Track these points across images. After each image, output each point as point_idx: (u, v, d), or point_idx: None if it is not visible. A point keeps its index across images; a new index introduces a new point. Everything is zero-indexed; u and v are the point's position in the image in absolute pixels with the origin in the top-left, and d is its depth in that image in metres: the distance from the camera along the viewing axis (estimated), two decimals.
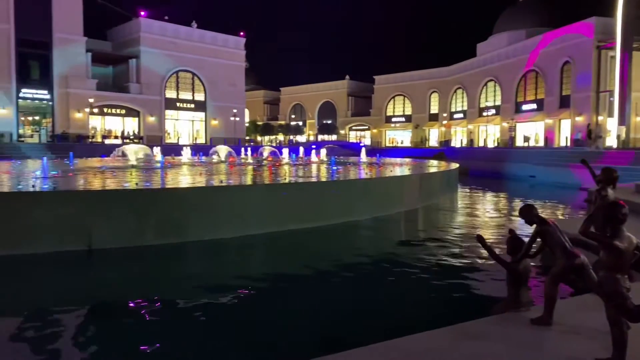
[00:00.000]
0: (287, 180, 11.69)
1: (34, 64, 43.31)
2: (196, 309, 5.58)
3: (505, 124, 51.81)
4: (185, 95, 54.22)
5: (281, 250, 8.67)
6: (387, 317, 5.48)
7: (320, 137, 77.29)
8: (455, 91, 64.45)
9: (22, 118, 43.99)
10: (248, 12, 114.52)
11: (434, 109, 68.61)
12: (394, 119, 73.04)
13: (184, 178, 12.14)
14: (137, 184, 9.67)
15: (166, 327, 5.10)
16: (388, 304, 5.93)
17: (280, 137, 77.13)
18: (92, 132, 47.49)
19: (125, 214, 7.88)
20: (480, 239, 3.85)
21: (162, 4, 57.72)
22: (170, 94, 52.63)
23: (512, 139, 50.18)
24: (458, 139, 63.82)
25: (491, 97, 55.89)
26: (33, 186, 8.85)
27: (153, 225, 8.09)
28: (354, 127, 79.24)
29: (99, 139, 47.32)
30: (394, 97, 72.96)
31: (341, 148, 51.63)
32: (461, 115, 62.61)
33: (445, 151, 44.01)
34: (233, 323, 5.26)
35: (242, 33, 58.30)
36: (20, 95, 42.52)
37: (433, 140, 68.47)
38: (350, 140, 74.09)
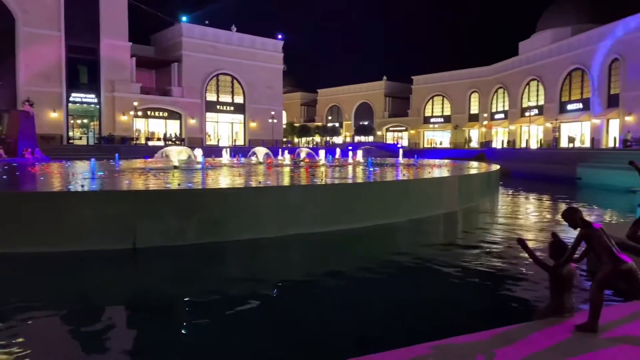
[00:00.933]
0: (323, 182, 11.76)
1: (82, 69, 45.27)
2: (239, 307, 5.70)
3: (548, 125, 50.14)
4: (225, 98, 55.28)
5: (319, 251, 8.72)
6: (425, 319, 5.43)
7: (356, 139, 77.10)
8: (496, 91, 62.88)
9: (72, 121, 46.06)
10: (286, 14, 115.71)
11: (474, 109, 67.18)
12: (432, 120, 71.98)
13: (224, 179, 12.41)
14: (179, 184, 9.98)
15: (209, 325, 5.23)
16: (426, 307, 5.88)
17: (317, 138, 77.39)
18: (137, 134, 49.16)
19: (168, 214, 8.13)
20: (521, 242, 3.77)
21: (203, 9, 59.04)
22: (211, 96, 53.80)
23: (556, 139, 48.49)
24: (499, 140, 62.19)
25: (534, 96, 54.20)
26: (82, 186, 9.27)
27: (195, 224, 8.31)
28: (391, 128, 78.60)
29: (143, 141, 48.91)
30: (432, 98, 71.91)
31: (378, 149, 51.34)
32: (502, 115, 61.04)
33: (485, 152, 43.02)
34: (273, 322, 5.35)
35: (280, 35, 58.90)
36: (70, 99, 44.55)
37: (473, 141, 67.05)
38: (388, 142, 73.53)
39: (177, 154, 17.22)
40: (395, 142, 70.61)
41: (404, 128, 76.13)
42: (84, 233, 7.84)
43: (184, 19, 51.61)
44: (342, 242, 9.21)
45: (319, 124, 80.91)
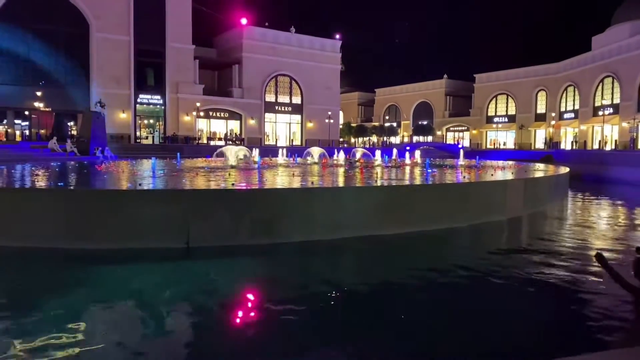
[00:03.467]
0: (377, 183, 11.42)
1: (149, 71, 47.48)
2: (291, 309, 5.57)
3: (625, 124, 46.60)
4: (283, 98, 55.99)
5: (372, 255, 8.43)
6: (488, 335, 5.00)
7: (415, 139, 75.58)
8: (565, 89, 59.41)
9: (139, 121, 48.43)
10: (345, 14, 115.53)
11: (541, 109, 63.81)
12: (495, 119, 69.19)
13: (278, 179, 12.38)
14: (233, 184, 10.02)
15: (263, 326, 5.15)
16: (488, 321, 5.43)
17: (374, 138, 76.67)
18: (199, 134, 50.87)
19: (220, 214, 8.14)
20: (600, 258, 3.31)
21: (263, 10, 60.14)
22: (270, 97, 54.68)
23: (634, 140, 44.97)
24: (568, 141, 58.69)
25: (608, 94, 50.63)
26: (140, 185, 9.52)
27: (247, 225, 8.27)
28: (451, 128, 76.39)
29: (205, 141, 50.55)
30: (496, 96, 69.11)
31: (437, 150, 49.96)
32: (572, 115, 57.58)
33: (553, 154, 40.62)
34: (322, 328, 5.12)
35: (337, 36, 58.83)
36: (138, 100, 46.87)
37: (539, 142, 63.69)
38: (448, 142, 71.47)
39: (234, 153, 17.47)
40: (456, 143, 68.47)
41: (466, 128, 73.73)
42: (141, 231, 7.99)
43: (244, 21, 52.77)
44: (396, 246, 8.85)
45: (376, 124, 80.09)
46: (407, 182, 12.27)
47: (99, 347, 4.43)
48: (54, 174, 13.32)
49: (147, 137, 48.92)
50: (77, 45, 43.26)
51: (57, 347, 4.37)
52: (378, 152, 23.35)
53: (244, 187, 9.30)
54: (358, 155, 25.24)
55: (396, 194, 10.14)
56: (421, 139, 75.01)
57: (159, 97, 48.14)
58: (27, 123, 45.48)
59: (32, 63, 41.57)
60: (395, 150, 28.06)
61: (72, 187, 9.96)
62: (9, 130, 43.44)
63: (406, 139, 76.37)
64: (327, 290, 6.42)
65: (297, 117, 57.20)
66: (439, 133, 75.27)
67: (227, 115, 53.09)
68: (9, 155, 26.96)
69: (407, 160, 23.76)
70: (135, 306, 5.81)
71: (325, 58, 57.23)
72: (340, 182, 12.11)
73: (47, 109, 43.68)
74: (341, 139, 65.48)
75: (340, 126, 68.10)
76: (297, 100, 56.57)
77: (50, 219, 8.00)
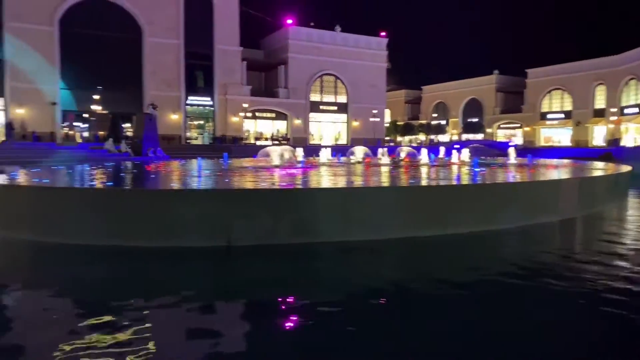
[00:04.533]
0: (421, 182, 11.15)
1: (199, 74, 48.91)
2: (331, 310, 5.53)
3: None
4: (328, 97, 56.10)
5: (414, 257, 8.22)
6: (542, 348, 4.72)
7: (464, 137, 73.71)
8: (627, 82, 56.06)
9: (189, 122, 49.96)
10: (391, 11, 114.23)
11: (599, 104, 60.54)
12: (549, 116, 66.35)
13: (319, 178, 12.35)
14: (273, 183, 10.07)
15: (302, 326, 5.14)
16: (541, 332, 5.12)
17: (421, 137, 75.39)
18: (246, 134, 51.87)
19: (260, 213, 8.20)
20: None
21: (309, 11, 60.57)
22: (315, 97, 54.93)
23: None
24: (630, 138, 55.33)
25: None
26: (184, 184, 9.76)
27: (286, 224, 8.28)
28: (502, 125, 73.91)
29: (252, 141, 51.47)
30: (550, 92, 66.26)
31: (487, 148, 48.43)
32: (635, 109, 54.24)
33: (613, 151, 38.38)
34: (360, 330, 5.02)
35: (383, 33, 58.26)
36: (188, 102, 48.37)
37: (598, 139, 60.47)
38: (499, 140, 69.16)
39: (278, 153, 17.61)
40: (507, 140, 66.11)
41: (518, 125, 71.13)
42: (184, 229, 8.16)
43: (290, 22, 53.28)
44: (438, 248, 8.59)
45: (424, 121, 78.73)
46: (451, 182, 11.91)
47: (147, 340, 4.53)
48: (107, 174, 13.92)
49: (196, 138, 50.40)
50: (132, 50, 45.19)
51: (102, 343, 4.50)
52: (424, 151, 22.83)
53: (284, 187, 9.33)
54: (403, 154, 24.81)
55: (439, 193, 9.85)
56: (471, 136, 73.00)
57: (208, 98, 49.48)
58: (86, 125, 47.98)
59: (91, 68, 43.79)
60: (442, 149, 27.41)
61: (120, 187, 10.35)
62: (70, 132, 45.94)
63: (455, 137, 74.55)
64: (365, 292, 6.31)
65: (342, 116, 57.13)
66: (489, 131, 72.99)
67: (273, 115, 53.82)
68: (68, 155, 28.51)
69: (454, 159, 23.12)
70: (183, 303, 5.91)
71: (371, 56, 56.82)
72: (381, 181, 11.92)
73: (104, 112, 45.91)
74: (387, 138, 64.80)
75: (387, 124, 67.40)
76: (342, 99, 56.50)
77: (100, 217, 8.34)
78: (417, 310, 5.70)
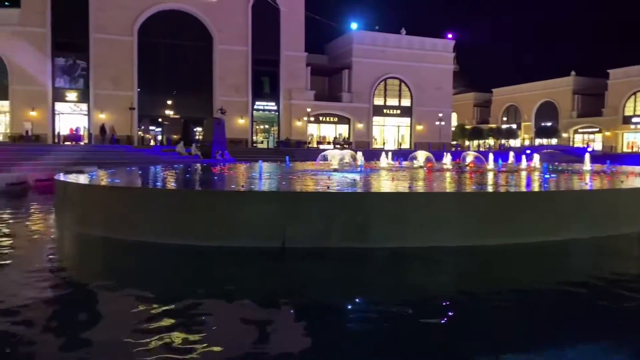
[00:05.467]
0: (483, 189, 10.70)
1: (265, 79, 50.17)
2: (379, 316, 5.46)
3: None
4: (392, 101, 55.49)
5: (472, 267, 7.88)
6: None
7: (537, 141, 70.02)
8: None
9: (255, 127, 51.34)
10: (459, 12, 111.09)
11: None
12: (634, 120, 61.40)
13: (377, 182, 12.21)
14: (328, 187, 10.09)
15: (354, 329, 5.12)
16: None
17: (490, 141, 72.50)
18: (309, 138, 52.47)
19: (314, 216, 8.23)
20: None
21: (374, 14, 60.36)
22: (378, 101, 54.55)
23: None
24: None
25: None
26: (242, 186, 10.02)
27: (339, 228, 8.26)
28: (580, 130, 69.42)
29: (315, 145, 51.96)
30: (635, 94, 61.37)
31: (561, 153, 45.67)
32: None
33: None
34: (409, 341, 4.89)
35: (450, 35, 56.77)
36: (254, 107, 49.75)
37: None
38: (575, 145, 65.01)
39: (338, 157, 17.64)
40: (585, 146, 61.98)
41: (597, 129, 66.45)
42: (241, 230, 8.37)
43: (355, 26, 53.35)
44: (500, 258, 8.18)
45: (493, 125, 75.70)
46: (516, 188, 11.32)
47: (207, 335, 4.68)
48: (174, 175, 14.62)
49: (262, 142, 51.67)
50: (203, 58, 47.22)
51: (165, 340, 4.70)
52: (491, 156, 21.93)
53: (338, 190, 9.31)
54: (469, 159, 23.96)
55: (502, 200, 9.39)
56: (544, 141, 69.20)
57: (273, 103, 50.61)
58: (160, 129, 50.72)
59: (165, 75, 46.25)
60: (512, 154, 26.19)
61: (183, 188, 10.82)
62: (145, 136, 48.77)
63: (527, 142, 71.00)
64: (417, 300, 6.14)
65: (406, 120, 56.23)
66: (564, 135, 68.81)
67: (336, 119, 54.05)
68: (142, 158, 30.29)
69: (524, 165, 22.00)
70: (238, 300, 6.07)
71: (437, 58, 55.51)
72: (442, 187, 11.57)
73: (176, 117, 48.30)
74: (453, 142, 62.94)
75: (453, 128, 65.50)
76: (406, 102, 55.65)
77: (164, 216, 8.75)
78: (469, 324, 5.45)
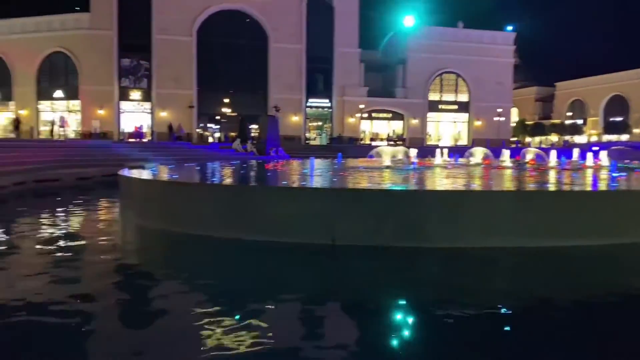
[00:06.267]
0: (545, 187, 10.18)
1: (318, 76, 50.49)
2: (429, 318, 5.36)
3: None
4: (448, 96, 54.15)
5: (529, 269, 7.52)
6: None
7: (605, 138, 65.97)
8: None
9: (309, 124, 51.79)
10: (521, 2, 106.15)
11: None
12: None
13: (430, 180, 11.94)
14: (379, 183, 9.97)
15: (407, 331, 5.05)
16: None
17: (554, 137, 69.08)
18: (362, 134, 52.26)
19: (364, 213, 8.17)
20: None
21: (430, 8, 58.93)
22: (433, 96, 53.39)
23: None
24: None
25: None
26: (292, 182, 10.11)
27: (390, 226, 8.14)
28: None
29: (367, 141, 51.70)
30: None
31: (632, 150, 42.68)
32: None
33: None
34: (457, 343, 4.75)
35: (510, 27, 54.56)
36: (308, 104, 50.16)
37: None
38: None
39: (390, 153, 17.42)
40: None
41: None
42: (292, 226, 8.45)
43: (410, 21, 52.46)
44: (560, 261, 7.75)
45: (556, 121, 72.02)
46: (581, 187, 10.69)
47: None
48: (229, 171, 15.02)
49: (315, 138, 52.04)
50: (258, 56, 48.19)
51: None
52: (553, 153, 20.85)
53: (389, 187, 9.18)
54: (529, 156, 22.89)
55: (564, 200, 8.90)
56: (613, 137, 64.99)
57: (326, 100, 50.81)
58: (217, 127, 52.29)
59: (223, 73, 47.58)
60: (576, 151, 24.79)
61: (236, 184, 11.09)
62: (204, 133, 50.46)
63: (594, 138, 66.99)
64: (468, 302, 5.94)
65: (463, 116, 54.69)
66: (636, 131, 64.30)
67: (389, 115, 53.47)
68: (201, 154, 31.41)
69: (590, 162, 20.77)
70: (289, 296, 6.13)
71: (497, 52, 53.52)
72: (500, 185, 11.14)
73: (233, 114, 49.62)
74: (513, 139, 60.51)
75: (513, 124, 62.94)
76: (463, 97, 54.11)
77: (219, 211, 9.01)
78: (524, 327, 5.21)
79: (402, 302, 5.93)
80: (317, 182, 11.39)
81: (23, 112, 45.40)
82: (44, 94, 47.19)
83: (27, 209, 14.19)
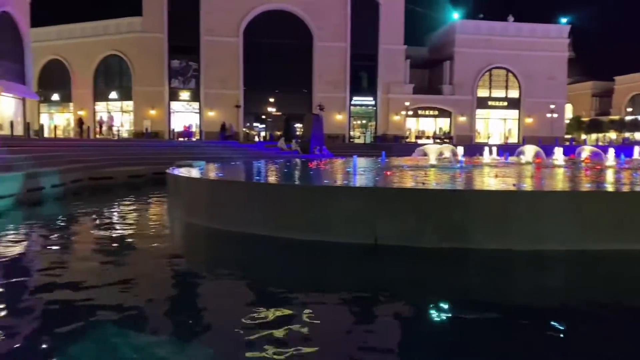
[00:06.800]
0: (602, 188, 9.61)
1: (363, 74, 50.11)
2: (476, 323, 5.12)
3: None
4: (498, 93, 52.41)
5: (586, 274, 7.13)
6: None
7: None
8: None
9: (353, 122, 51.54)
10: None
11: None
12: None
13: (477, 179, 11.57)
14: (423, 183, 9.74)
15: (452, 335, 4.92)
16: None
17: (612, 135, 65.49)
18: (407, 132, 51.47)
19: (406, 213, 8.00)
20: None
21: (478, 2, 57.20)
22: (482, 92, 51.83)
23: None
24: None
25: None
26: (336, 181, 10.04)
27: (433, 227, 7.94)
28: None
29: (413, 139, 50.85)
30: None
31: None
32: None
33: None
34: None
35: (564, 19, 52.09)
36: (352, 102, 49.93)
37: None
38: None
39: (435, 152, 17.03)
40: None
41: None
42: (333, 225, 8.40)
43: (457, 15, 51.15)
44: (620, 266, 7.29)
45: (615, 117, 68.23)
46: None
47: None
48: (273, 170, 15.16)
49: (359, 137, 51.74)
50: (303, 55, 48.39)
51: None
52: (611, 151, 19.72)
53: (433, 187, 8.94)
54: (584, 154, 21.77)
55: (622, 201, 8.36)
56: None
57: (371, 98, 50.39)
58: (263, 126, 52.98)
59: (268, 73, 48.13)
60: (637, 149, 23.36)
61: (277, 182, 11.15)
62: (249, 132, 51.27)
63: None
64: (516, 308, 5.68)
65: (514, 113, 52.75)
66: None
67: (436, 113, 52.36)
68: (246, 153, 31.94)
69: None
70: (328, 294, 6.12)
71: (549, 46, 51.23)
72: (551, 185, 10.62)
73: (278, 113, 50.12)
74: (568, 136, 57.79)
75: (567, 121, 60.15)
76: (513, 93, 52.18)
77: (262, 209, 9.08)
78: (576, 338, 4.91)
79: (446, 304, 5.74)
80: (359, 181, 11.29)
81: (81, 113, 47.77)
82: (100, 95, 49.50)
83: (83, 203, 14.92)
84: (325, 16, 47.38)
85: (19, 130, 33.16)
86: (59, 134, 48.65)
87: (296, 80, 48.97)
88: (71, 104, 50.46)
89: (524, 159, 20.23)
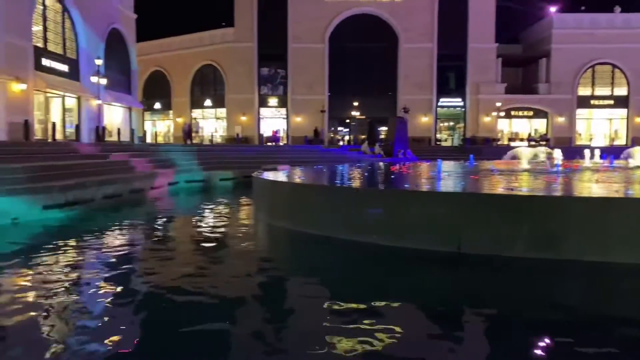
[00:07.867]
0: None
1: (450, 75, 48.51)
2: (566, 346, 4.71)
3: None
4: (602, 91, 48.07)
5: None
6: None
7: None
8: None
9: (440, 124, 50.06)
10: None
11: None
12: None
13: (576, 185, 10.65)
14: (513, 188, 9.15)
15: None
16: None
17: None
18: (499, 134, 48.91)
19: (493, 220, 7.56)
20: None
21: None
22: (584, 91, 47.87)
23: None
24: None
25: None
26: (416, 185, 9.78)
27: (525, 235, 7.42)
28: None
29: (505, 142, 48.22)
30: None
31: None
32: None
33: None
34: None
35: None
36: (439, 104, 48.52)
37: None
38: None
39: (529, 155, 15.98)
40: None
41: None
42: (415, 231, 8.18)
43: (554, 10, 47.73)
44: None
45: None
46: None
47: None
48: (355, 173, 15.16)
49: (446, 140, 50.14)
50: (388, 58, 47.97)
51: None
52: None
53: (523, 193, 8.36)
54: None
55: None
56: None
57: (459, 99, 48.64)
58: (347, 129, 53.27)
59: (353, 77, 48.32)
60: None
61: (356, 186, 11.10)
62: (334, 136, 51.80)
63: None
64: (618, 329, 5.12)
65: (621, 112, 48.03)
66: None
67: (531, 113, 49.21)
68: (330, 157, 32.29)
69: None
70: (405, 303, 5.99)
71: None
72: None
73: (362, 117, 50.11)
74: None
75: None
76: (620, 91, 47.54)
77: (341, 213, 9.11)
78: None
79: (536, 319, 5.32)
80: (444, 185, 10.90)
81: (179, 120, 51.35)
82: (196, 103, 52.88)
83: (172, 208, 16.03)
84: (411, 17, 46.59)
85: (125, 137, 36.47)
86: (160, 139, 52.63)
87: (381, 84, 48.64)
88: (171, 112, 54.37)
89: (632, 162, 18.33)
